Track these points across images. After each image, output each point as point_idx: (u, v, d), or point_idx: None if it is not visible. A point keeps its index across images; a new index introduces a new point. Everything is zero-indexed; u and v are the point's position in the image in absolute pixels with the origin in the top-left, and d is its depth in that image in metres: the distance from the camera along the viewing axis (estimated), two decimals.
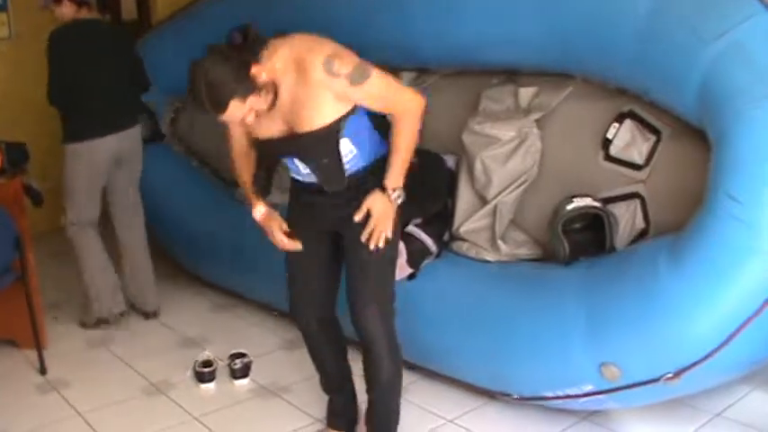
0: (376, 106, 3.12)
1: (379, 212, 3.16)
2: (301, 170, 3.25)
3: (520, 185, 3.91)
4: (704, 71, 3.06)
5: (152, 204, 5.48)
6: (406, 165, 3.16)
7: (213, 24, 5.36)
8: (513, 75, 4.16)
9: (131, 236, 5.23)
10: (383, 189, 3.15)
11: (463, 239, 4.01)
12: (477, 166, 3.94)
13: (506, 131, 3.90)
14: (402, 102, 3.10)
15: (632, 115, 3.66)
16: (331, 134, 3.07)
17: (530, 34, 3.72)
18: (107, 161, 4.90)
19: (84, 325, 5.17)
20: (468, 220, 3.99)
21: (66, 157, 4.86)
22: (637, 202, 3.61)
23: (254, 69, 2.91)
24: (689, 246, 3.06)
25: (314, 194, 3.30)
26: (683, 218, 3.22)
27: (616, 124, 3.68)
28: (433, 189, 4.08)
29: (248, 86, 2.90)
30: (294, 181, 3.39)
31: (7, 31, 6.77)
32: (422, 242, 3.95)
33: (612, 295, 3.30)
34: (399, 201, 3.18)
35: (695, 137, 3.32)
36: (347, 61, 2.97)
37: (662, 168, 3.57)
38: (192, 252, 5.72)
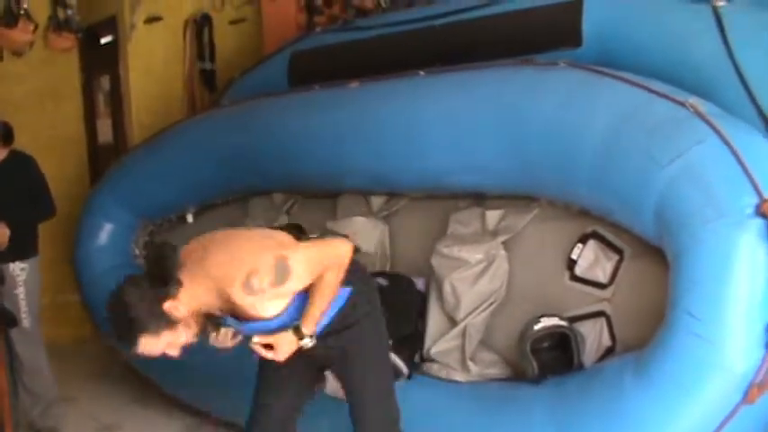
0: (313, 280, 2.96)
1: (282, 344, 2.99)
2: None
3: (488, 306, 3.97)
4: (659, 194, 3.17)
5: None
6: (322, 311, 3.01)
7: (186, 149, 5.52)
8: (479, 198, 4.27)
9: None
10: (297, 329, 2.99)
11: (434, 360, 4.05)
12: (447, 288, 4.00)
13: (474, 254, 3.98)
14: (332, 261, 2.97)
15: (595, 235, 3.76)
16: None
17: (493, 161, 3.87)
18: None
19: None
20: (439, 342, 4.04)
21: None
22: (603, 320, 3.68)
23: (168, 305, 2.77)
24: (652, 362, 3.12)
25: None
26: (647, 334, 3.27)
27: (580, 245, 3.78)
28: (403, 311, 4.12)
29: (161, 322, 2.77)
30: None
31: None
32: (393, 364, 3.97)
33: (581, 412, 3.33)
34: (309, 345, 3.02)
35: (656, 255, 3.40)
36: (264, 271, 2.81)
37: (625, 286, 3.65)
38: (164, 372, 5.67)
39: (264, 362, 3.22)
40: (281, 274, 2.83)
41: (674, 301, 3.08)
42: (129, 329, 2.77)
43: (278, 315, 2.93)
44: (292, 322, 2.96)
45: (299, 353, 3.08)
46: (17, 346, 5.14)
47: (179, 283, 2.79)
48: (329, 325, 3.13)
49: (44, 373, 5.29)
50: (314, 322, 2.99)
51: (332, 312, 3.11)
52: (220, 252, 2.88)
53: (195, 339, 2.92)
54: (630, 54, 3.81)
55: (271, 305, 2.89)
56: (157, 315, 2.76)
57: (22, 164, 5.24)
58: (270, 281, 2.81)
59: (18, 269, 5.15)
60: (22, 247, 5.14)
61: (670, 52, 3.69)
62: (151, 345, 2.80)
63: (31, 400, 5.26)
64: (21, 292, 5.15)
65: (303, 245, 3.01)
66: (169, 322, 2.78)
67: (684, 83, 3.50)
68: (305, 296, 2.98)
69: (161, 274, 2.79)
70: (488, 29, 4.40)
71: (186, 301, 2.80)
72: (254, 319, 2.91)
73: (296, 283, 2.89)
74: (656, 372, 3.09)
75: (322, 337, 3.11)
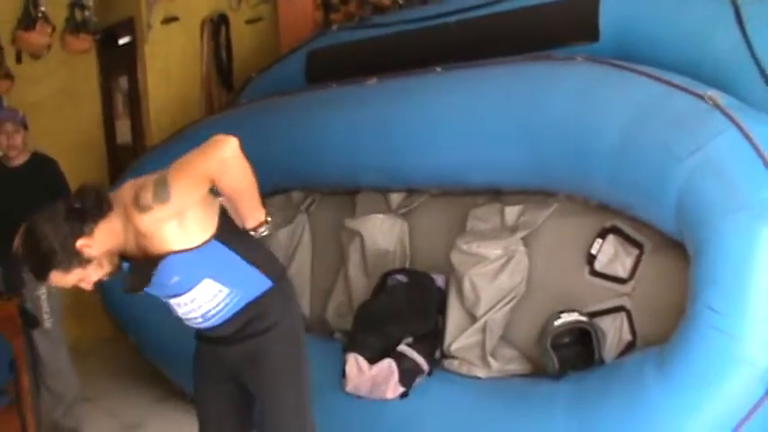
0: (202, 189, 2.84)
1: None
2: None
3: (508, 302, 3.96)
4: (679, 187, 3.16)
5: (146, 324, 5.55)
6: (256, 198, 2.99)
7: None
8: (498, 194, 4.26)
9: None
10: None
11: (454, 357, 4.04)
12: (466, 285, 4.00)
13: (493, 250, 3.97)
14: (214, 164, 2.80)
15: (615, 230, 3.75)
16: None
17: (511, 157, 3.86)
18: None
19: None
20: (459, 338, 4.03)
21: None
22: (623, 314, 3.66)
23: (80, 242, 2.77)
24: (674, 357, 3.11)
25: (210, 341, 3.20)
26: (668, 329, 3.26)
27: (600, 240, 3.77)
28: (423, 308, 4.14)
29: (72, 259, 2.77)
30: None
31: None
32: (413, 361, 3.98)
33: (602, 407, 3.32)
34: (265, 233, 3.06)
35: (677, 249, 3.38)
36: (147, 187, 2.78)
37: (646, 281, 3.64)
38: (184, 371, 5.69)
39: (198, 403, 3.32)
40: (162, 188, 2.76)
41: (695, 296, 3.06)
42: (40, 263, 2.78)
43: (183, 252, 2.86)
44: (198, 280, 2.93)
45: (214, 360, 3.17)
46: (39, 347, 5.18)
47: (94, 222, 2.80)
48: (238, 315, 3.06)
49: (66, 373, 5.33)
50: (256, 209, 2.99)
51: (243, 301, 3.06)
52: (130, 184, 2.92)
53: (108, 278, 2.92)
54: (648, 48, 3.79)
55: (169, 232, 2.82)
56: (69, 252, 2.76)
57: (45, 166, 5.29)
58: (152, 195, 2.74)
59: None
60: None
61: (688, 45, 3.66)
62: (62, 279, 2.82)
63: (54, 400, 5.30)
64: (43, 293, 5.18)
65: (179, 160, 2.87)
66: (81, 260, 2.79)
67: (703, 76, 3.48)
68: (224, 264, 2.96)
69: (79, 211, 2.80)
70: (505, 25, 4.39)
71: (100, 241, 2.81)
72: (161, 255, 2.85)
73: (181, 197, 2.78)
74: (677, 366, 3.08)
75: (231, 336, 3.10)
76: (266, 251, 3.18)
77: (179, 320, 3.16)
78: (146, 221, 2.78)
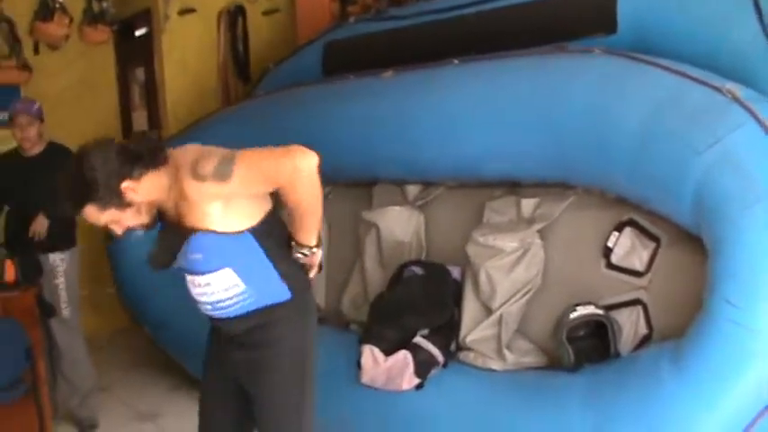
0: (263, 187, 2.86)
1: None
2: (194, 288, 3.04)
3: (524, 295, 3.96)
4: (697, 181, 3.14)
5: (161, 315, 5.58)
6: (316, 222, 2.95)
7: (221, 140, 5.52)
8: (515, 186, 4.26)
9: None
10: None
11: (470, 349, 4.05)
12: (482, 277, 4.00)
13: (509, 242, 3.97)
14: (287, 171, 2.77)
15: (632, 223, 3.74)
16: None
17: (528, 149, 3.84)
18: None
19: None
20: (475, 330, 4.04)
21: None
22: (639, 308, 3.66)
23: (126, 184, 2.76)
24: (690, 350, 3.10)
25: (218, 337, 3.15)
26: (684, 322, 3.25)
27: (616, 233, 3.76)
28: (439, 300, 4.15)
29: (112, 198, 2.76)
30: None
31: None
32: (429, 352, 3.99)
33: (618, 401, 3.32)
34: (301, 258, 3.00)
35: (694, 243, 3.38)
36: (211, 158, 2.75)
37: (662, 274, 3.63)
38: (199, 361, 5.69)
39: (202, 393, 3.27)
40: (226, 166, 2.73)
41: (713, 289, 3.05)
42: (80, 192, 2.77)
43: (216, 233, 2.82)
44: (219, 266, 2.88)
45: (220, 356, 3.11)
46: (57, 336, 5.21)
47: (145, 168, 2.78)
48: (247, 317, 3.00)
49: (83, 362, 5.36)
50: (312, 232, 2.95)
51: (256, 305, 2.98)
52: (195, 148, 2.90)
53: (142, 229, 2.92)
54: (666, 40, 3.77)
55: (211, 210, 2.80)
56: (112, 189, 2.75)
57: (61, 155, 5.30)
58: (212, 169, 2.72)
59: (58, 260, 5.23)
60: (61, 238, 5.22)
61: (706, 37, 3.65)
62: (94, 215, 2.81)
63: (70, 389, 5.33)
64: (61, 282, 5.22)
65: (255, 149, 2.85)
66: (120, 202, 2.78)
67: (721, 68, 3.46)
68: (250, 258, 2.90)
69: (134, 153, 2.79)
70: (522, 16, 4.37)
71: (145, 189, 2.81)
72: (194, 229, 2.83)
73: (239, 184, 2.75)
74: (694, 360, 3.07)
75: (236, 338, 3.04)
76: (297, 265, 3.05)
77: (193, 304, 3.11)
78: (194, 189, 2.75)
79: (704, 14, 3.69)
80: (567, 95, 3.68)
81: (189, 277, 3.01)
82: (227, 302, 2.97)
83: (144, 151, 2.81)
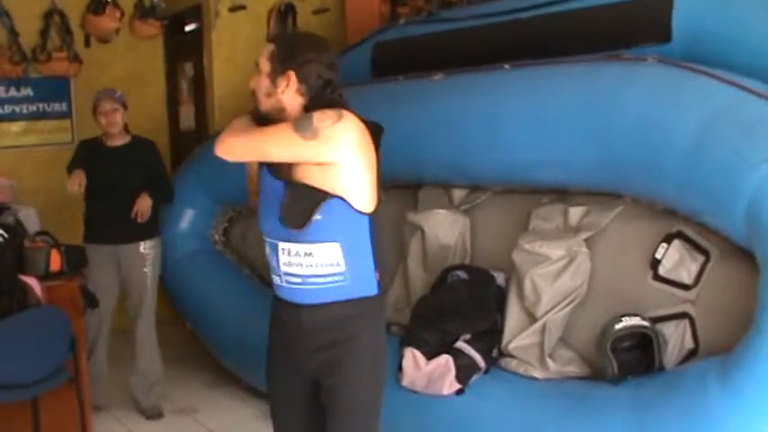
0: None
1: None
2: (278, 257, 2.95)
3: (569, 304, 3.93)
4: (751, 194, 3.10)
5: (203, 310, 5.59)
6: (267, 136, 2.93)
7: None
8: (562, 194, 4.23)
9: None
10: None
11: (512, 356, 4.03)
12: (527, 284, 3.97)
13: (556, 250, 3.94)
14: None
15: (681, 236, 3.70)
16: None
17: (578, 156, 3.82)
18: None
19: None
20: (517, 337, 4.01)
21: None
22: (686, 321, 3.61)
23: (292, 73, 2.87)
24: (739, 366, 3.06)
25: (289, 326, 3.00)
26: (732, 338, 3.22)
27: (665, 244, 3.72)
28: (482, 305, 4.13)
29: (284, 67, 2.87)
30: (274, 298, 3.10)
31: (70, 137, 7.05)
32: (470, 358, 3.97)
33: (662, 415, 3.27)
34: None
35: (744, 257, 3.34)
36: (327, 118, 2.78)
37: (711, 288, 3.58)
38: (239, 358, 5.75)
39: (270, 402, 3.19)
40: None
41: (765, 305, 3.01)
42: (286, 44, 2.97)
43: (348, 204, 2.80)
44: (331, 238, 2.82)
45: (291, 367, 3.01)
46: (138, 322, 5.36)
47: (317, 92, 2.89)
48: (330, 307, 2.88)
49: (156, 351, 5.48)
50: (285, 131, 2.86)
51: (345, 294, 2.87)
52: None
53: (265, 107, 2.96)
54: (720, 50, 3.73)
55: (352, 179, 2.81)
56: (289, 58, 2.89)
57: (144, 147, 5.39)
58: (330, 122, 2.76)
59: (148, 248, 5.35)
60: (149, 227, 5.32)
61: (762, 48, 3.60)
62: (263, 62, 2.95)
63: (139, 378, 5.44)
64: (149, 270, 5.36)
65: None
66: (278, 77, 2.90)
67: None
68: (358, 237, 2.87)
69: (332, 69, 2.94)
70: (575, 22, 4.34)
71: (293, 89, 2.89)
72: (329, 194, 2.78)
73: (324, 145, 2.76)
74: (742, 377, 3.03)
75: (316, 335, 2.92)
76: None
77: (275, 277, 3.03)
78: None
79: (760, 24, 3.65)
80: (620, 104, 3.65)
81: (283, 244, 2.92)
82: (321, 280, 2.86)
83: (335, 83, 2.93)
